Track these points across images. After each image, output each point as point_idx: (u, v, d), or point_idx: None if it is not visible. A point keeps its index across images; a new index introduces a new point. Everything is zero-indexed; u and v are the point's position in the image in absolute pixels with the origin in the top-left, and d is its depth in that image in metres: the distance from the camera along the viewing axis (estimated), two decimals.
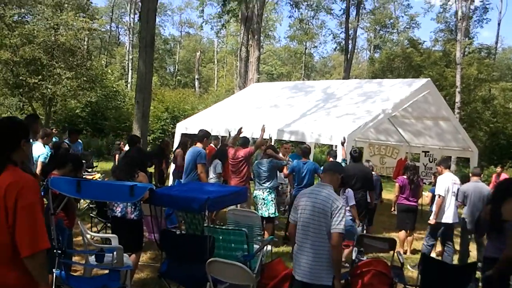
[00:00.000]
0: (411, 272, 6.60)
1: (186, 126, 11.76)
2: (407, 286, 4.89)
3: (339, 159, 8.23)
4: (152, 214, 4.97)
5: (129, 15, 41.53)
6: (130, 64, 38.11)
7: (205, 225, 5.07)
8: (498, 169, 13.83)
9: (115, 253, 4.59)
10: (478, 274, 6.21)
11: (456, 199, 7.11)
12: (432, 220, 7.17)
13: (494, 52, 32.81)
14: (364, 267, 4.03)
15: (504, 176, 13.85)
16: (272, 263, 4.44)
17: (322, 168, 8.25)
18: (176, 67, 49.17)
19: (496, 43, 34.07)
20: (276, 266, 4.34)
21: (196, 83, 39.43)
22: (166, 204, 4.83)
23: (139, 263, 5.60)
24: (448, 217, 7.07)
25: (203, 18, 27.53)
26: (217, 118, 11.58)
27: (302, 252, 3.75)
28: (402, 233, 8.10)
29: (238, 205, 7.37)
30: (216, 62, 47.56)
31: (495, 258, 3.87)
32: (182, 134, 11.50)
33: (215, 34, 44.03)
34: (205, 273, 4.18)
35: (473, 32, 32.17)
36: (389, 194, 12.65)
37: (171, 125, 22.27)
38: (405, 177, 8.14)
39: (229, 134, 9.37)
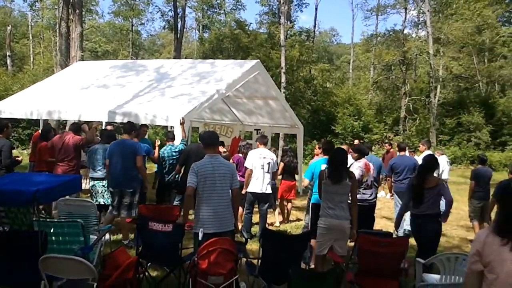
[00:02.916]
0: (250, 245, 6.85)
1: (1, 109, 10.46)
2: (249, 260, 5.04)
3: (178, 139, 8.16)
4: None
5: None
6: None
7: (34, 218, 4.53)
8: (387, 146, 14.08)
9: None
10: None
11: (268, 171, 7.67)
12: (243, 190, 7.74)
13: (313, 36, 35.65)
14: (210, 247, 4.02)
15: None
16: (114, 253, 4.17)
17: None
18: None
19: (314, 26, 37.04)
20: (118, 256, 4.07)
21: (8, 60, 35.18)
22: None
23: None
24: (255, 187, 7.68)
25: None
26: (38, 100, 10.50)
27: (211, 205, 4.70)
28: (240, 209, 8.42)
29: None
30: (31, 37, 42.99)
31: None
32: None
33: (29, 7, 39.85)
34: (39, 271, 3.74)
35: (294, 15, 34.50)
36: None
37: None
38: (240, 155, 8.44)
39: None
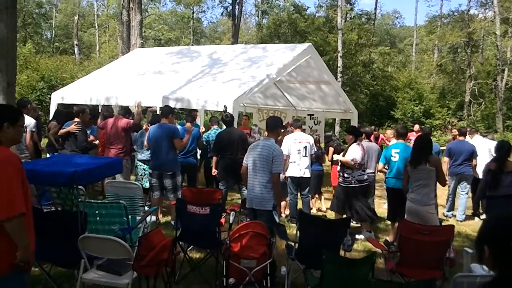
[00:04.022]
0: (290, 229, 6.82)
1: (63, 96, 11.00)
2: (289, 242, 5.00)
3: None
4: None
5: None
6: None
7: (80, 200, 4.73)
8: (416, 127, 14.00)
9: None
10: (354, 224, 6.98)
11: (305, 155, 7.58)
12: (282, 175, 7.54)
13: (373, 18, 34.59)
14: (242, 230, 4.04)
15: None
16: (149, 234, 4.27)
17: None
18: (53, 32, 45.46)
19: (375, 9, 35.94)
20: (154, 237, 4.17)
21: (76, 49, 36.80)
22: (29, 180, 4.37)
23: None
24: (293, 172, 7.59)
25: None
26: (97, 86, 10.94)
27: (251, 183, 5.08)
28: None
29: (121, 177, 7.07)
30: (97, 26, 44.70)
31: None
32: (58, 104, 10.76)
33: None
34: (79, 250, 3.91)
35: None
36: None
37: (48, 96, 20.69)
38: None
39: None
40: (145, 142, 7.20)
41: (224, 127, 8.21)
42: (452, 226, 4.65)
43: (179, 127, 7.75)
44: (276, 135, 5.38)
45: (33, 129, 7.00)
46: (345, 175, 6.87)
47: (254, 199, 5.05)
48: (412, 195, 5.49)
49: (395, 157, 6.80)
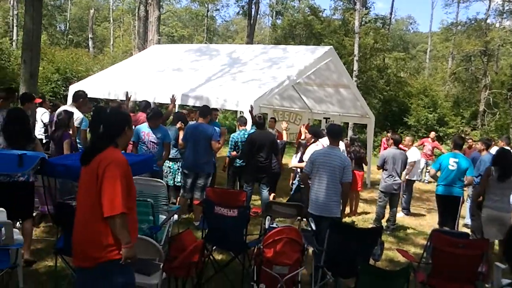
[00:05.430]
0: None
1: (81, 89, 10.93)
2: (317, 249, 4.90)
3: (249, 126, 8.13)
4: (45, 185, 4.45)
5: None
6: (15, 20, 34.45)
7: None
8: (388, 134, 14.73)
9: (3, 229, 4.03)
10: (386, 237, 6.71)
11: None
12: None
13: (388, 23, 34.39)
14: (276, 236, 3.95)
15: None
16: (181, 235, 4.19)
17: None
18: (68, 25, 45.60)
19: (391, 14, 35.80)
20: (185, 238, 4.10)
21: (90, 42, 36.80)
22: (61, 175, 4.32)
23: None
24: None
25: None
26: (116, 81, 10.88)
27: (317, 191, 5.21)
28: None
29: None
30: (111, 21, 44.74)
31: None
32: None
33: None
34: None
35: (369, 2, 33.33)
36: (290, 158, 12.85)
37: (63, 87, 20.67)
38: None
39: (127, 96, 8.93)
40: (180, 141, 7.15)
41: (248, 127, 8.14)
42: (487, 240, 4.55)
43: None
44: (336, 143, 5.51)
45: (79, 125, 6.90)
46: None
47: (321, 206, 5.17)
48: (496, 203, 5.83)
49: (453, 166, 7.07)
